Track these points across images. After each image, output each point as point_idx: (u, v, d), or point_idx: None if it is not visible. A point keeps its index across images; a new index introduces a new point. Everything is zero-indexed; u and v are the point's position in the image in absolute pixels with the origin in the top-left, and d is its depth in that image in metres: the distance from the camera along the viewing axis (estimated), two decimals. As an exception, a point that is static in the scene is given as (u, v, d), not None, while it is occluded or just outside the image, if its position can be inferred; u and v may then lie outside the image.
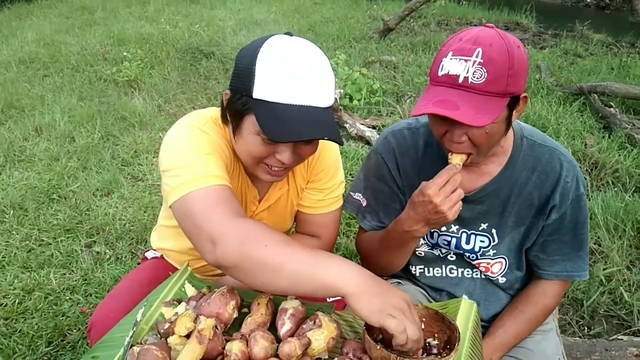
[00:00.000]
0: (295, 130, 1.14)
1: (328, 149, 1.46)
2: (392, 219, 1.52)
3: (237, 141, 1.26)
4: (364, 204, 1.54)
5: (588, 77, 4.71)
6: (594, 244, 2.56)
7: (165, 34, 6.33)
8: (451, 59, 1.16)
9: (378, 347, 1.02)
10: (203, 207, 1.11)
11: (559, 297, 1.51)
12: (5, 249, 2.68)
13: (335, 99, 3.96)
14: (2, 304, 2.33)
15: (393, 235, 1.39)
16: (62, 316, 2.23)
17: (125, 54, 5.45)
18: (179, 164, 1.19)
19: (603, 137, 3.57)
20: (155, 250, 1.66)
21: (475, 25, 1.29)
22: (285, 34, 1.22)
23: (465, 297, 1.25)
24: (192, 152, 1.20)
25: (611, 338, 1.94)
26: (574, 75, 4.76)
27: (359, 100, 4.26)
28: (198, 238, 1.11)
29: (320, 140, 1.37)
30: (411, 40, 6.24)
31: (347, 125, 3.82)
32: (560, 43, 6.09)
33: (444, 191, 1.18)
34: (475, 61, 1.13)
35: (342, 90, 4.19)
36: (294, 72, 1.14)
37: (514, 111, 1.23)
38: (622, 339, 1.90)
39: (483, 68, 1.12)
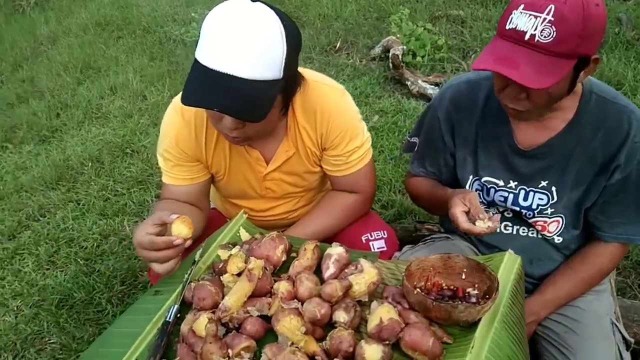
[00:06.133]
0: (201, 97, 1.14)
1: (338, 116, 1.42)
2: (436, 168, 1.56)
3: None
4: (417, 148, 1.58)
5: (677, 30, 4.30)
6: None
7: (233, -5, 6.36)
8: (521, 12, 1.12)
9: (415, 292, 1.06)
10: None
11: (617, 260, 1.47)
12: (85, 198, 2.91)
13: (397, 55, 3.88)
14: (83, 246, 2.56)
15: (436, 197, 1.48)
16: (135, 259, 2.41)
17: (193, 14, 5.56)
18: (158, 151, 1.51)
19: (688, 96, 3.29)
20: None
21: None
22: None
23: (510, 251, 1.25)
24: (160, 145, 1.47)
25: (675, 303, 1.85)
26: (660, 28, 4.36)
27: (422, 57, 4.14)
28: None
29: (330, 107, 1.41)
30: (483, -8, 5.92)
31: (408, 83, 3.75)
32: (649, -8, 5.57)
33: (462, 218, 1.28)
34: (545, 18, 1.08)
35: (404, 47, 4.09)
36: (218, 35, 1.13)
37: (582, 72, 1.17)
38: (685, 304, 1.80)
39: (553, 27, 1.07)
